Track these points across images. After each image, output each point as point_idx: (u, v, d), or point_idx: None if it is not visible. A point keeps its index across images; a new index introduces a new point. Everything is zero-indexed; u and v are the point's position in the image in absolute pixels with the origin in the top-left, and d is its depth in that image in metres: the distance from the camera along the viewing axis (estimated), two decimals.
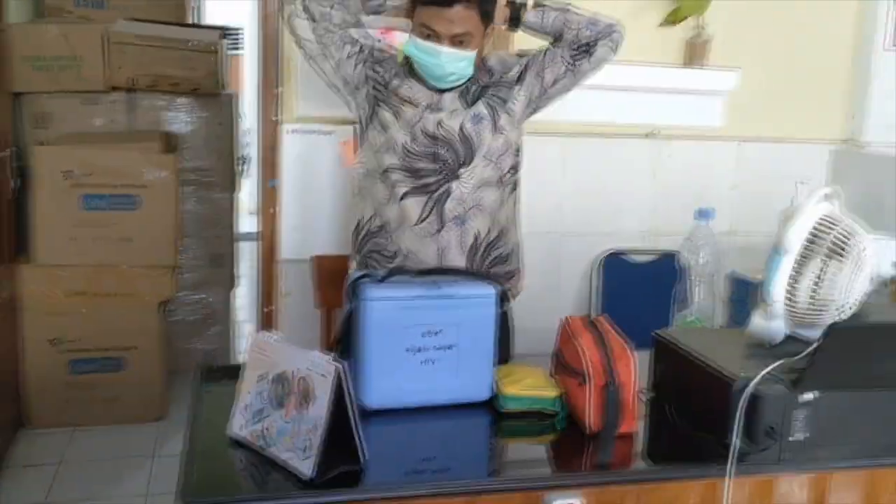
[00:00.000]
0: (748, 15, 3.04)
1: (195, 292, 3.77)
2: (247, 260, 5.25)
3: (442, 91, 1.97)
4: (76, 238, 3.14)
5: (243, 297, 5.03)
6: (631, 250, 3.11)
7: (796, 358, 1.45)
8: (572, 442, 1.51)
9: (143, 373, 3.29)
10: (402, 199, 1.98)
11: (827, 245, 1.50)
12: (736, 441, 1.36)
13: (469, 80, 1.98)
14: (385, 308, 1.50)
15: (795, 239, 1.49)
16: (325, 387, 1.28)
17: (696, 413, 1.49)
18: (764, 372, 1.39)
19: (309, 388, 1.30)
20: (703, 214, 1.89)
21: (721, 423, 1.40)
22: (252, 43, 8.32)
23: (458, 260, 1.99)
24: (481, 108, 1.98)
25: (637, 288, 3.03)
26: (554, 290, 3.05)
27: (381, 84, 2.00)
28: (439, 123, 1.95)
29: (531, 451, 1.58)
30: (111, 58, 3.40)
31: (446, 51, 1.87)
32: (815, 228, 1.51)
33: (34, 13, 3.77)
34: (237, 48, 7.74)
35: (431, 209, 1.97)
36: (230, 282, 3.97)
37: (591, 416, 1.46)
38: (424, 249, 1.98)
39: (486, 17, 1.92)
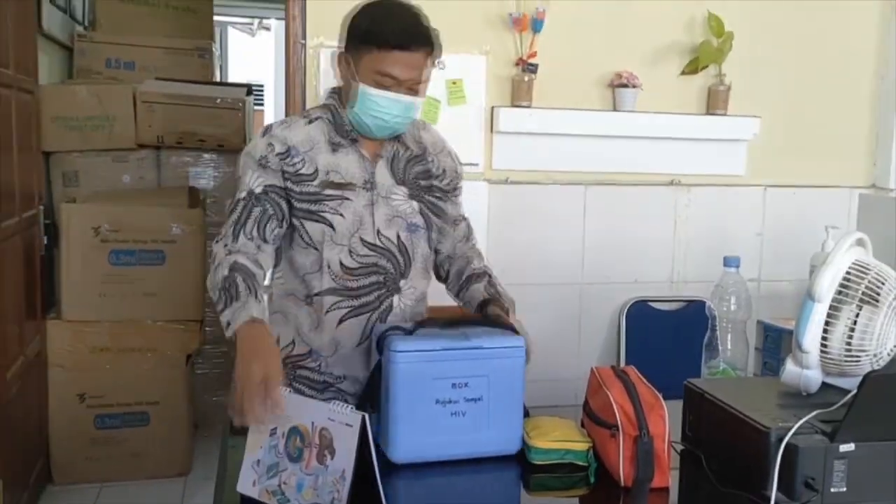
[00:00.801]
0: (767, 62, 3.07)
1: (220, 346, 3.78)
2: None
3: (373, 160, 1.78)
4: (105, 294, 3.17)
5: None
6: (656, 298, 3.08)
7: (833, 407, 1.42)
8: (604, 496, 1.48)
9: (169, 427, 3.29)
10: (338, 324, 1.76)
11: (860, 292, 1.48)
12: (774, 494, 1.33)
13: (397, 138, 1.80)
14: (413, 359, 1.49)
15: (828, 286, 1.47)
16: (350, 437, 1.26)
17: (730, 465, 1.45)
18: (801, 422, 1.36)
19: (330, 439, 1.29)
20: (731, 261, 1.88)
21: (757, 476, 1.37)
22: (271, 99, 8.52)
23: None
24: (417, 214, 1.81)
25: (663, 336, 3.00)
26: (576, 340, 3.03)
27: (303, 193, 1.72)
28: (378, 232, 1.75)
29: None
30: (140, 116, 3.48)
31: (405, 100, 1.69)
32: (847, 275, 1.49)
33: (65, 75, 3.88)
34: (260, 104, 7.92)
35: (372, 329, 1.76)
36: None
37: (623, 468, 1.43)
38: (364, 371, 1.75)
39: (434, 61, 1.73)
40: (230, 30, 8.25)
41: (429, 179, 1.84)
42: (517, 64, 2.84)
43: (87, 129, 3.43)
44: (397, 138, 1.80)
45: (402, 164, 1.81)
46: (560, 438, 1.54)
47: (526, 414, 1.62)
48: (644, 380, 1.56)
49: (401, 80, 1.67)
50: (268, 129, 1.78)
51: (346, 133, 1.76)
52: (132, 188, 3.55)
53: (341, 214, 1.73)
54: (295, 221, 1.73)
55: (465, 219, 1.96)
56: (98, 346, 3.19)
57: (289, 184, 1.72)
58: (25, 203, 2.92)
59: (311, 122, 1.78)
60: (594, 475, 1.50)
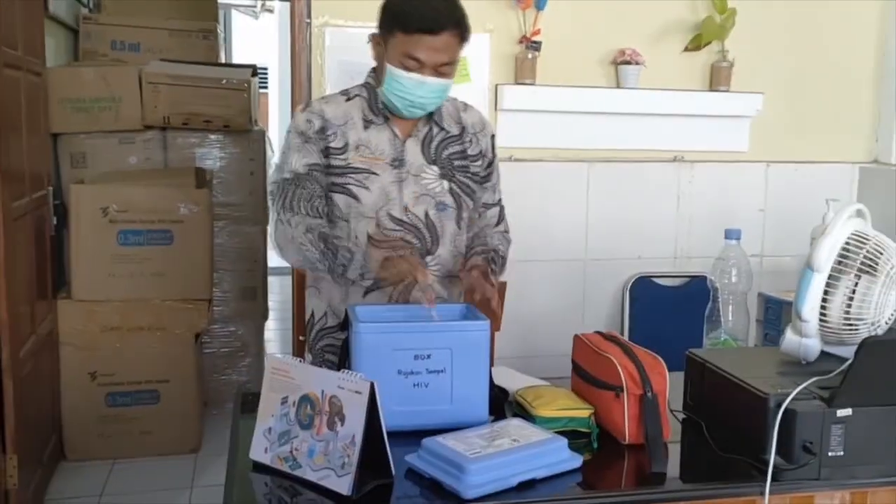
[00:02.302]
0: (770, 38, 3.07)
1: (227, 325, 3.83)
2: (276, 293, 5.33)
3: (404, 140, 1.83)
4: (114, 273, 3.21)
5: (273, 330, 5.09)
6: (659, 274, 3.11)
7: (832, 375, 1.45)
8: (610, 456, 1.51)
9: (179, 405, 3.33)
10: (365, 294, 1.82)
11: (859, 261, 1.50)
12: (773, 458, 1.36)
13: (432, 119, 1.85)
14: (376, 331, 1.53)
15: (826, 256, 1.50)
16: (359, 404, 1.30)
17: (731, 431, 1.49)
18: (799, 388, 1.39)
19: (340, 406, 1.33)
20: (732, 234, 1.90)
21: (757, 441, 1.40)
22: (275, 82, 8.52)
23: None
24: (447, 194, 1.84)
25: (666, 311, 3.03)
26: (580, 316, 3.06)
27: (333, 167, 1.80)
28: (406, 209, 1.80)
29: None
30: (146, 97, 3.50)
31: (431, 81, 1.73)
32: (846, 245, 1.51)
33: (71, 57, 3.90)
34: (264, 87, 7.92)
35: (398, 301, 1.82)
36: (262, 314, 4.02)
37: (629, 427, 1.47)
38: None
39: (464, 43, 1.78)
40: (234, 12, 8.24)
41: (464, 160, 1.88)
42: (521, 42, 2.85)
43: (93, 110, 3.46)
44: (433, 119, 1.85)
45: (434, 143, 1.86)
46: (564, 406, 1.57)
47: (503, 392, 1.66)
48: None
49: (426, 63, 1.72)
50: (308, 104, 1.88)
51: (378, 111, 1.82)
52: (139, 169, 3.58)
53: (367, 188, 1.80)
54: (329, 195, 1.81)
55: (497, 205, 1.98)
56: (108, 325, 3.23)
57: (326, 159, 1.80)
58: (35, 184, 2.95)
59: (349, 99, 1.85)
60: (597, 440, 1.53)
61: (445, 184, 1.85)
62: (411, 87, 1.74)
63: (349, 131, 1.81)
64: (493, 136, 1.95)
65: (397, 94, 1.76)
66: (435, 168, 1.84)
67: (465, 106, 1.94)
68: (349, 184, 1.79)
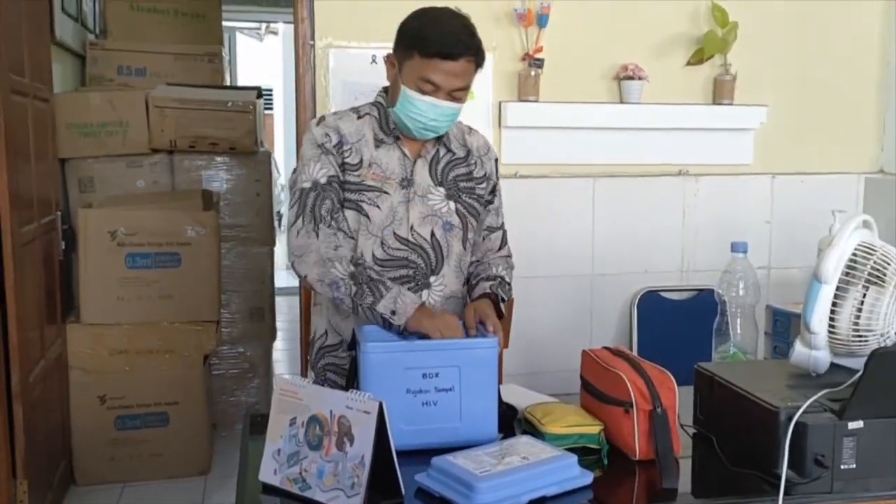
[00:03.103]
0: (772, 50, 3.08)
1: (235, 346, 3.83)
2: (284, 313, 5.33)
3: (413, 160, 1.84)
4: (122, 297, 3.22)
5: (281, 350, 5.10)
6: (666, 288, 3.10)
7: (842, 387, 1.44)
8: (620, 473, 1.50)
9: (188, 427, 3.33)
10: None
11: (866, 272, 1.50)
12: (784, 471, 1.35)
13: (440, 141, 1.86)
14: (384, 350, 1.54)
15: (834, 267, 1.50)
16: (367, 424, 1.30)
17: (742, 445, 1.48)
18: (810, 401, 1.38)
19: (348, 426, 1.33)
20: (738, 247, 1.90)
21: (768, 455, 1.40)
22: (280, 103, 8.58)
23: None
24: (454, 214, 1.86)
25: (674, 325, 3.02)
26: (588, 331, 3.06)
27: (348, 182, 1.81)
28: (412, 228, 1.81)
29: None
30: (153, 121, 3.53)
31: (444, 105, 1.74)
32: (853, 256, 1.51)
33: (78, 82, 3.94)
34: (269, 108, 7.97)
35: None
36: (270, 335, 4.02)
37: (639, 443, 1.47)
38: None
39: (479, 69, 1.79)
40: (238, 35, 8.32)
41: (470, 182, 1.89)
42: (523, 59, 2.87)
43: (101, 135, 3.48)
44: (440, 140, 1.87)
45: (441, 165, 1.87)
46: (574, 423, 1.57)
47: (512, 409, 1.66)
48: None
49: (441, 87, 1.73)
50: (321, 119, 1.87)
51: (389, 130, 1.84)
52: (147, 192, 3.60)
53: (378, 206, 1.81)
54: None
55: (501, 228, 1.99)
56: (117, 348, 3.23)
57: (343, 174, 1.81)
58: (43, 209, 2.97)
59: (360, 117, 1.86)
60: (608, 456, 1.53)
61: (452, 205, 1.86)
62: (425, 110, 1.75)
63: (363, 148, 1.82)
64: (496, 161, 1.97)
65: (411, 115, 1.77)
66: (441, 189, 1.86)
67: (470, 129, 1.96)
68: (362, 201, 1.80)
